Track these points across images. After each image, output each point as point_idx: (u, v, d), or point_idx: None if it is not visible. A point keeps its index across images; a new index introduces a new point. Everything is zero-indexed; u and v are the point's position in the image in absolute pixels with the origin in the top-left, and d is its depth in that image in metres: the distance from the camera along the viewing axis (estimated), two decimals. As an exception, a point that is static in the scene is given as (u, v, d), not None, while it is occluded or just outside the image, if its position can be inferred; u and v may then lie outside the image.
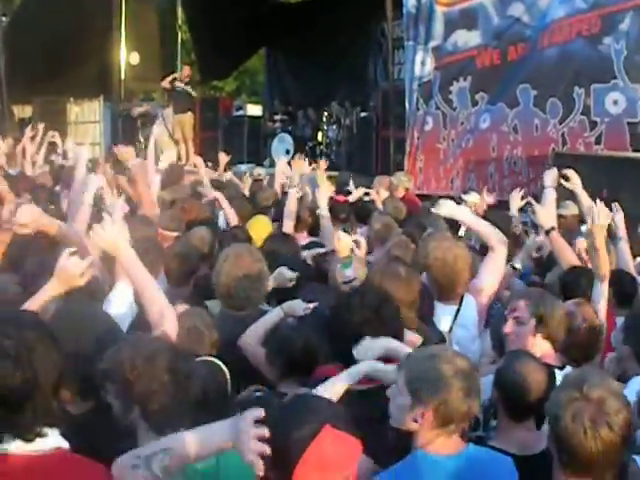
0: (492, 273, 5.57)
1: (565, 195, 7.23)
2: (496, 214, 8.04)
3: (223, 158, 12.86)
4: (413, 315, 4.57)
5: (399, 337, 4.02)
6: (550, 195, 6.89)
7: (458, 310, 5.37)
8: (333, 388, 3.51)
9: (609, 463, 2.95)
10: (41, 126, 13.80)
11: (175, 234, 6.99)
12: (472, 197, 9.37)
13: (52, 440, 2.61)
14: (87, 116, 21.18)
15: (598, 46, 12.47)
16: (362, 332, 3.87)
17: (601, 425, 2.88)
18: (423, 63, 14.98)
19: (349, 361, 3.82)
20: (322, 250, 6.61)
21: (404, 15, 15.40)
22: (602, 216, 5.26)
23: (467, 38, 14.28)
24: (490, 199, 9.74)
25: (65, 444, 2.66)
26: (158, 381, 3.09)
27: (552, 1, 13.02)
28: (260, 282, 5.10)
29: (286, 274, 4.75)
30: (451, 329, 5.28)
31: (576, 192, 6.34)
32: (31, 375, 2.51)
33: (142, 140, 19.86)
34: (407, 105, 15.38)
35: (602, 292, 5.09)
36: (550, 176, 7.03)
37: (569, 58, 12.84)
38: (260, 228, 7.69)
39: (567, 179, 6.79)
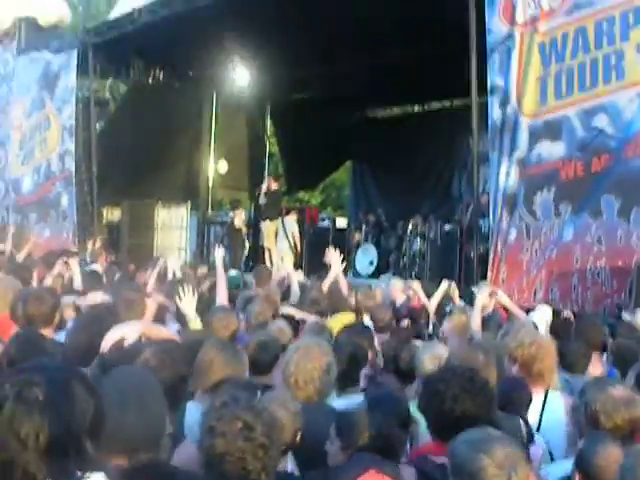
0: None
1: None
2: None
3: None
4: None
5: (493, 407, 4.11)
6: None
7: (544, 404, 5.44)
8: None
9: None
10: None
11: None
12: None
13: None
14: (174, 221, 21.66)
15: (683, 154, 12.37)
16: (458, 403, 3.96)
17: None
18: (507, 174, 14.93)
19: (445, 436, 3.87)
20: None
21: (489, 127, 15.44)
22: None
23: (551, 149, 14.23)
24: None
25: None
26: None
27: (637, 112, 12.95)
28: (328, 375, 5.17)
29: None
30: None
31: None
32: (62, 422, 2.43)
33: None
34: (491, 217, 15.32)
35: None
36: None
37: (654, 168, 12.73)
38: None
39: None
